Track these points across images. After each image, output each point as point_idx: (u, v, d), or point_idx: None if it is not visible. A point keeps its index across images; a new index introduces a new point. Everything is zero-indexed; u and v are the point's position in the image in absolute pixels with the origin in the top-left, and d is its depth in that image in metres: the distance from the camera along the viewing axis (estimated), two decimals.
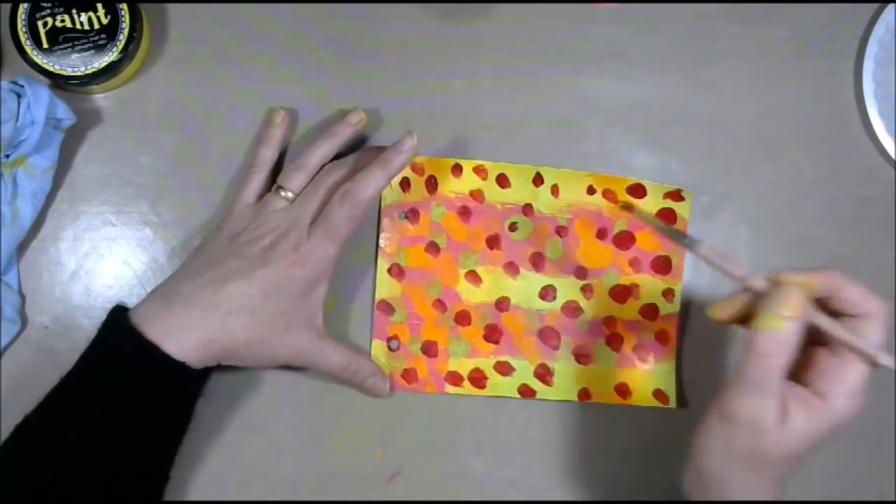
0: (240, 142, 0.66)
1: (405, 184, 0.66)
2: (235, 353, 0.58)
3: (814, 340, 0.53)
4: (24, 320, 0.64)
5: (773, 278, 0.52)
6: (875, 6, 0.68)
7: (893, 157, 0.67)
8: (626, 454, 0.66)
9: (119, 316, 0.58)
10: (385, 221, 0.66)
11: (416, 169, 0.66)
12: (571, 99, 0.68)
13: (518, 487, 0.65)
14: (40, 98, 0.60)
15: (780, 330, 0.50)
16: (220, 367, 0.59)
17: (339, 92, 0.66)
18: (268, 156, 0.63)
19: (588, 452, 0.66)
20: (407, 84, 0.67)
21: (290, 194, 0.61)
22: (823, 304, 0.52)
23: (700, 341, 0.67)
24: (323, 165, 0.63)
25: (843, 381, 0.51)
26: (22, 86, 0.60)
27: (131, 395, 0.56)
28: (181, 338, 0.56)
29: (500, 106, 0.67)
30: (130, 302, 0.64)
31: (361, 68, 0.67)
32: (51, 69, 0.61)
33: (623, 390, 0.66)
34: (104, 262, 0.65)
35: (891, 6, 0.67)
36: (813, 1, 0.68)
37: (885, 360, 0.51)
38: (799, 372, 0.52)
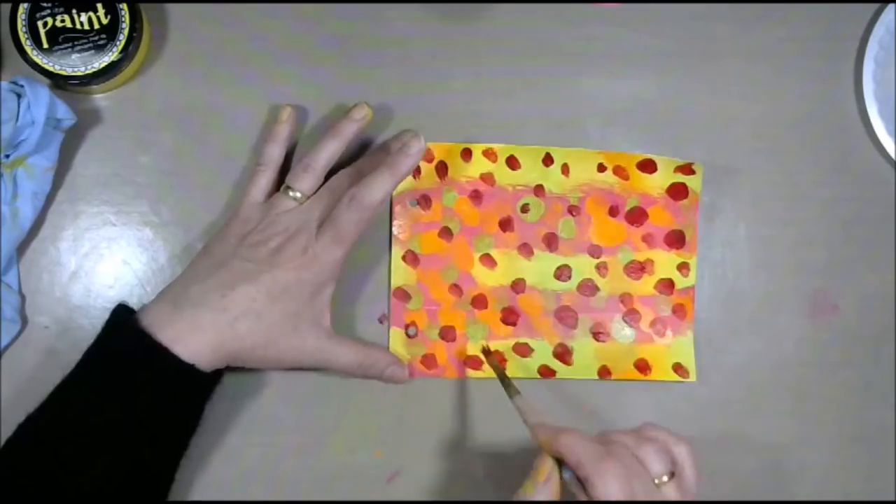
0: (240, 141, 0.66)
1: (416, 171, 0.66)
2: (243, 356, 0.59)
3: None
4: (24, 320, 0.64)
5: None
6: (875, 6, 0.68)
7: (893, 157, 0.67)
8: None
9: (126, 317, 0.58)
10: (397, 209, 0.66)
11: (426, 155, 0.66)
12: (571, 99, 0.68)
13: (518, 487, 0.65)
14: (40, 98, 0.60)
15: (531, 494, 0.53)
16: (225, 368, 0.60)
17: (340, 92, 0.66)
18: (275, 153, 0.63)
19: None
20: (407, 84, 0.67)
21: (298, 194, 0.61)
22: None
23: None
24: (332, 164, 0.62)
25: None
26: (22, 86, 0.60)
27: (140, 398, 0.56)
28: (191, 341, 0.56)
29: (500, 106, 0.67)
30: (131, 302, 0.64)
31: (362, 68, 0.67)
32: (51, 69, 0.61)
33: (642, 366, 0.66)
34: (104, 262, 0.65)
35: (891, 6, 0.67)
36: (813, 1, 0.68)
37: None
38: None
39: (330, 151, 0.62)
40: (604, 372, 0.66)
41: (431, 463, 0.65)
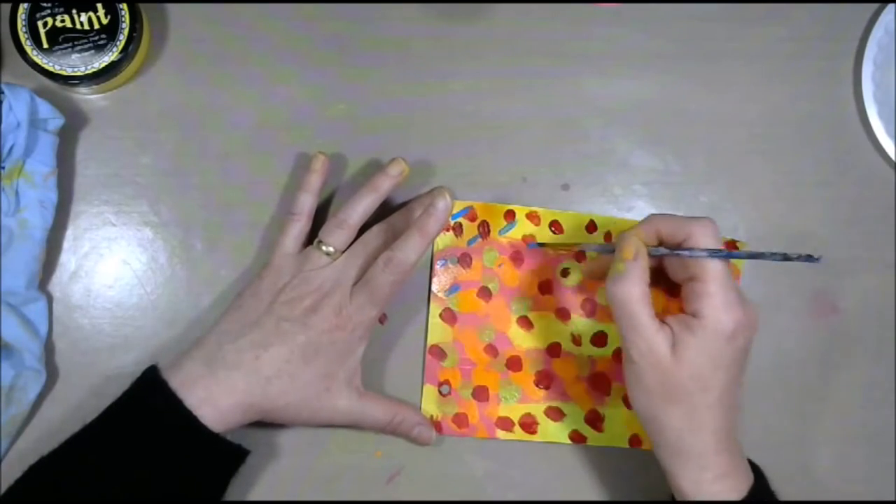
0: (240, 141, 0.66)
1: (458, 229, 0.66)
2: (274, 415, 0.59)
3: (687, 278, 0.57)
4: (54, 372, 0.63)
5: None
6: (874, 7, 0.68)
7: (893, 157, 0.67)
8: (626, 452, 0.66)
9: (156, 377, 0.57)
10: (437, 266, 0.66)
11: (469, 215, 0.66)
12: (571, 99, 0.68)
13: (518, 487, 0.65)
14: (20, 98, 0.60)
15: (622, 272, 0.56)
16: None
17: (339, 92, 0.66)
18: (307, 203, 0.63)
19: (588, 451, 0.66)
20: (407, 84, 0.67)
21: (331, 249, 0.61)
22: (672, 245, 0.58)
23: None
24: (366, 220, 0.62)
25: (707, 296, 0.55)
26: (1, 91, 0.60)
27: (162, 463, 0.55)
28: (221, 402, 0.56)
29: (500, 106, 0.67)
30: (130, 302, 0.64)
31: (361, 68, 0.67)
32: (51, 69, 0.61)
33: None
34: (104, 262, 0.65)
35: (890, 6, 0.67)
36: (813, 1, 0.68)
37: (700, 253, 0.55)
38: (684, 305, 0.57)
39: (364, 207, 0.62)
40: (635, 441, 0.66)
41: (431, 463, 0.65)
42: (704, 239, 0.56)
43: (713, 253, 0.55)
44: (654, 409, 0.57)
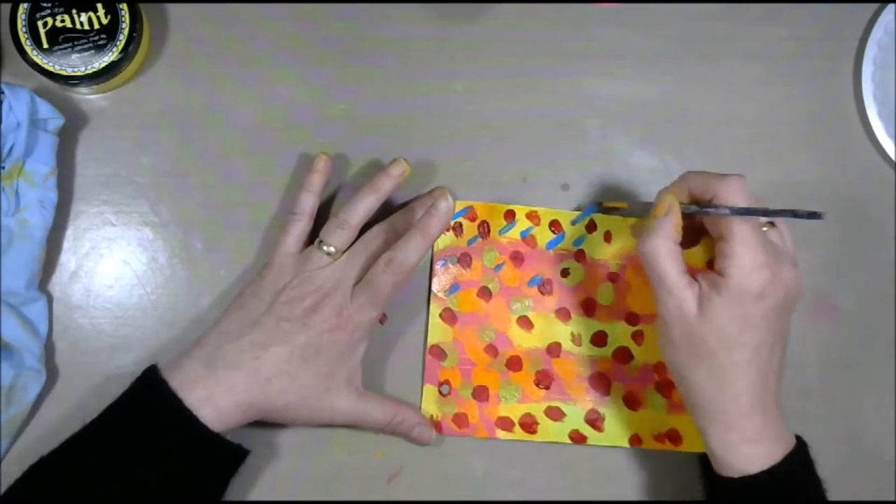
0: (240, 142, 0.66)
1: (458, 229, 0.66)
2: (274, 415, 0.59)
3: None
4: (54, 372, 0.62)
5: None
6: (874, 7, 0.68)
7: (893, 158, 0.67)
8: (626, 452, 0.66)
9: (156, 377, 0.57)
10: (437, 266, 0.66)
11: (469, 215, 0.66)
12: (571, 99, 0.68)
13: (518, 487, 0.65)
14: (20, 98, 0.60)
15: (652, 228, 0.56)
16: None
17: (339, 92, 0.66)
18: (309, 203, 0.63)
19: (588, 451, 0.66)
20: (407, 84, 0.67)
21: (332, 249, 0.61)
22: (703, 202, 0.58)
23: None
24: (367, 220, 0.62)
25: (733, 256, 0.55)
26: (1, 91, 0.60)
27: (162, 463, 0.55)
28: (221, 401, 0.56)
29: (500, 106, 0.67)
30: (130, 302, 0.64)
31: (361, 68, 0.67)
32: (51, 69, 0.61)
33: (674, 437, 0.65)
34: (104, 262, 0.65)
35: (890, 6, 0.67)
36: (813, 1, 0.69)
37: (722, 210, 0.55)
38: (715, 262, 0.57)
39: (365, 207, 0.62)
40: (635, 440, 0.66)
41: (431, 463, 0.65)
42: (731, 197, 0.55)
43: (734, 211, 0.55)
44: (682, 365, 0.57)
